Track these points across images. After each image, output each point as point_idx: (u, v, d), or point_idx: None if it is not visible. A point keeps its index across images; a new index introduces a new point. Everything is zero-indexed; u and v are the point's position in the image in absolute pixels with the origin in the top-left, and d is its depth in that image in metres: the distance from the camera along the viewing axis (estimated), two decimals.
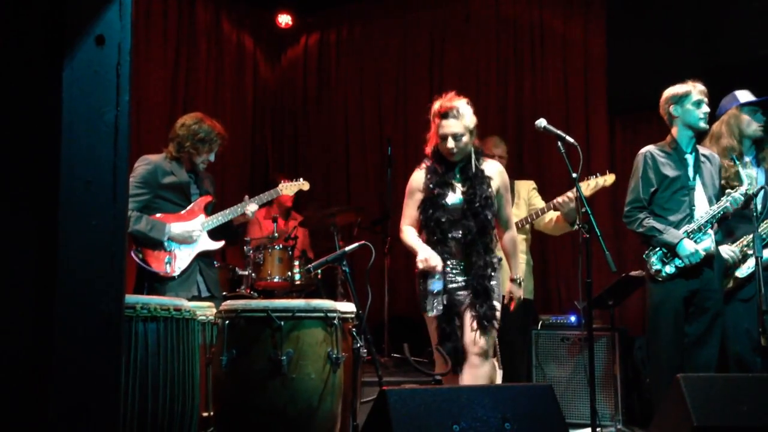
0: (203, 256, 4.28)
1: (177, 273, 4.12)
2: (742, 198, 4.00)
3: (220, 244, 4.34)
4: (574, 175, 3.64)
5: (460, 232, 3.54)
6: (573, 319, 5.17)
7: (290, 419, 2.96)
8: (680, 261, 3.95)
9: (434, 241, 3.56)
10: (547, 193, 5.26)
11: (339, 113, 7.61)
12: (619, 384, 4.83)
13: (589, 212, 3.59)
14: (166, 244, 4.13)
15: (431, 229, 3.58)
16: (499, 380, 4.51)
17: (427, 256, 3.47)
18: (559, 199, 4.55)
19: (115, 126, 1.81)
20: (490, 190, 3.60)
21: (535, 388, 2.82)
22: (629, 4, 6.04)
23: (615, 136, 6.30)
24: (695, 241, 3.96)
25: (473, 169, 3.61)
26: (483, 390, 2.62)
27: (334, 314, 3.14)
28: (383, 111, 7.40)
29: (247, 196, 4.47)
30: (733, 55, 5.49)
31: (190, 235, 4.17)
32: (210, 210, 4.37)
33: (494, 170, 3.69)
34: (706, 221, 3.98)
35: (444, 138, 3.56)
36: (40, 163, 1.73)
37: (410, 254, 6.95)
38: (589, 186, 4.56)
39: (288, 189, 4.86)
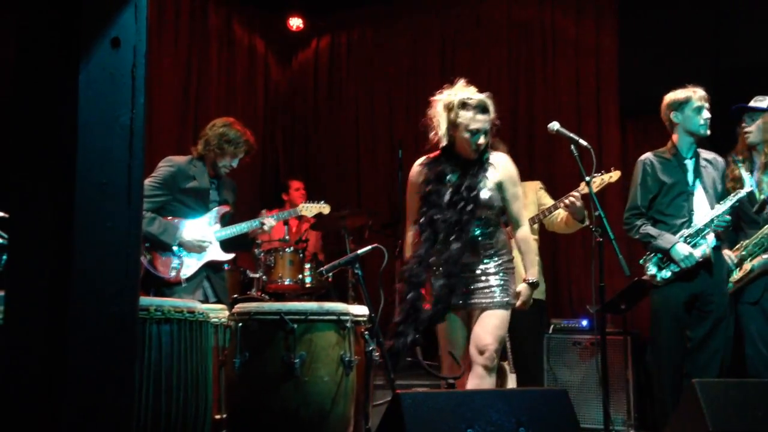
0: (210, 265, 4.26)
1: (183, 279, 4.10)
2: (745, 198, 3.98)
3: (230, 256, 4.31)
4: (587, 178, 3.63)
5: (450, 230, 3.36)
6: (585, 323, 5.15)
7: (303, 422, 2.96)
8: (676, 266, 3.94)
9: (427, 242, 3.39)
10: (559, 196, 5.24)
11: (350, 116, 7.61)
12: (632, 388, 4.81)
13: (602, 215, 3.57)
14: (175, 249, 4.10)
15: (424, 229, 3.41)
16: (512, 384, 4.49)
17: None
18: (566, 200, 4.51)
19: (131, 128, 1.82)
20: (481, 181, 3.40)
21: (550, 393, 2.81)
22: (641, 7, 6.02)
23: (627, 138, 6.27)
24: (693, 246, 3.94)
25: (478, 164, 3.43)
26: (497, 394, 2.61)
27: (347, 317, 3.14)
28: (394, 114, 7.40)
29: (264, 211, 4.46)
30: (745, 58, 5.46)
31: (200, 244, 4.14)
32: (226, 220, 4.35)
33: (499, 162, 3.49)
34: (705, 225, 3.97)
35: (474, 132, 3.35)
36: (56, 164, 1.73)
37: None
38: (594, 183, 4.53)
39: (308, 210, 4.88)
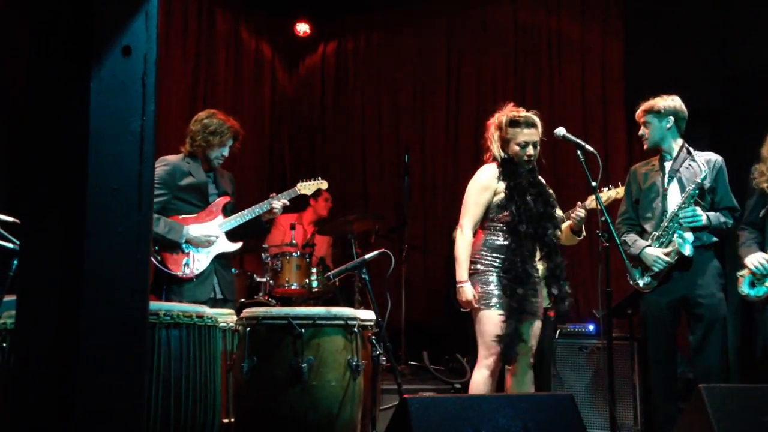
0: (220, 258, 4.28)
1: (195, 275, 4.13)
2: (696, 191, 3.94)
3: (238, 245, 4.32)
4: (594, 183, 3.64)
5: (535, 230, 3.67)
6: (591, 328, 5.14)
7: (310, 426, 2.97)
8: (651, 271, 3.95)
9: (521, 236, 3.64)
10: (564, 201, 5.22)
11: (356, 121, 7.63)
12: (638, 393, 4.79)
13: (609, 221, 3.58)
14: (183, 246, 4.13)
15: (515, 224, 3.65)
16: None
17: (468, 299, 3.62)
18: (573, 213, 4.52)
19: (141, 135, 1.83)
20: (551, 192, 3.83)
21: (556, 398, 2.82)
22: (647, 11, 6.02)
23: (633, 143, 6.26)
24: (663, 244, 3.93)
25: (537, 176, 3.79)
26: (504, 399, 2.61)
27: (354, 322, 3.15)
28: (400, 119, 7.42)
29: (273, 194, 4.47)
30: (751, 61, 5.46)
31: (207, 238, 4.17)
32: (229, 211, 4.36)
33: (541, 179, 3.86)
34: (670, 222, 3.95)
35: (525, 146, 3.71)
36: (68, 170, 1.75)
37: (426, 263, 6.96)
38: (601, 199, 4.55)
39: (306, 188, 4.83)
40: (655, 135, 4.13)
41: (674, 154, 4.11)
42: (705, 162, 3.99)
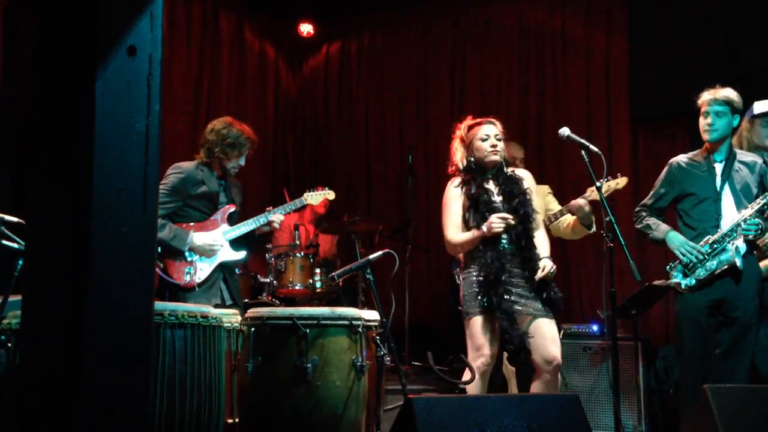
0: (225, 266, 4.27)
1: (197, 283, 4.11)
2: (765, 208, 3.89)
3: (242, 254, 4.30)
4: (598, 184, 3.63)
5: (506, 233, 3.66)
6: (595, 328, 5.14)
7: (315, 426, 2.97)
8: (701, 273, 3.88)
9: (486, 241, 3.64)
10: (569, 201, 5.24)
11: (360, 122, 7.63)
12: (642, 394, 4.79)
13: (613, 221, 3.56)
14: (187, 254, 4.11)
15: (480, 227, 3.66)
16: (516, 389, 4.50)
17: (491, 221, 3.58)
18: (573, 203, 4.49)
19: (146, 135, 1.84)
20: (524, 187, 3.79)
21: (562, 398, 2.81)
22: (652, 11, 6.01)
23: (638, 143, 6.27)
24: (717, 250, 3.87)
25: (506, 173, 3.82)
26: (509, 399, 2.61)
27: (359, 322, 3.15)
28: (404, 119, 7.42)
29: (270, 207, 4.45)
30: (758, 62, 5.44)
31: (211, 247, 4.14)
32: (233, 219, 4.35)
33: (524, 175, 3.89)
34: (730, 229, 3.85)
35: (486, 138, 3.78)
36: (73, 170, 1.76)
37: (430, 263, 6.96)
38: (603, 196, 4.51)
39: (313, 198, 4.81)
40: (725, 129, 3.91)
41: (725, 154, 3.97)
42: (754, 166, 3.93)
